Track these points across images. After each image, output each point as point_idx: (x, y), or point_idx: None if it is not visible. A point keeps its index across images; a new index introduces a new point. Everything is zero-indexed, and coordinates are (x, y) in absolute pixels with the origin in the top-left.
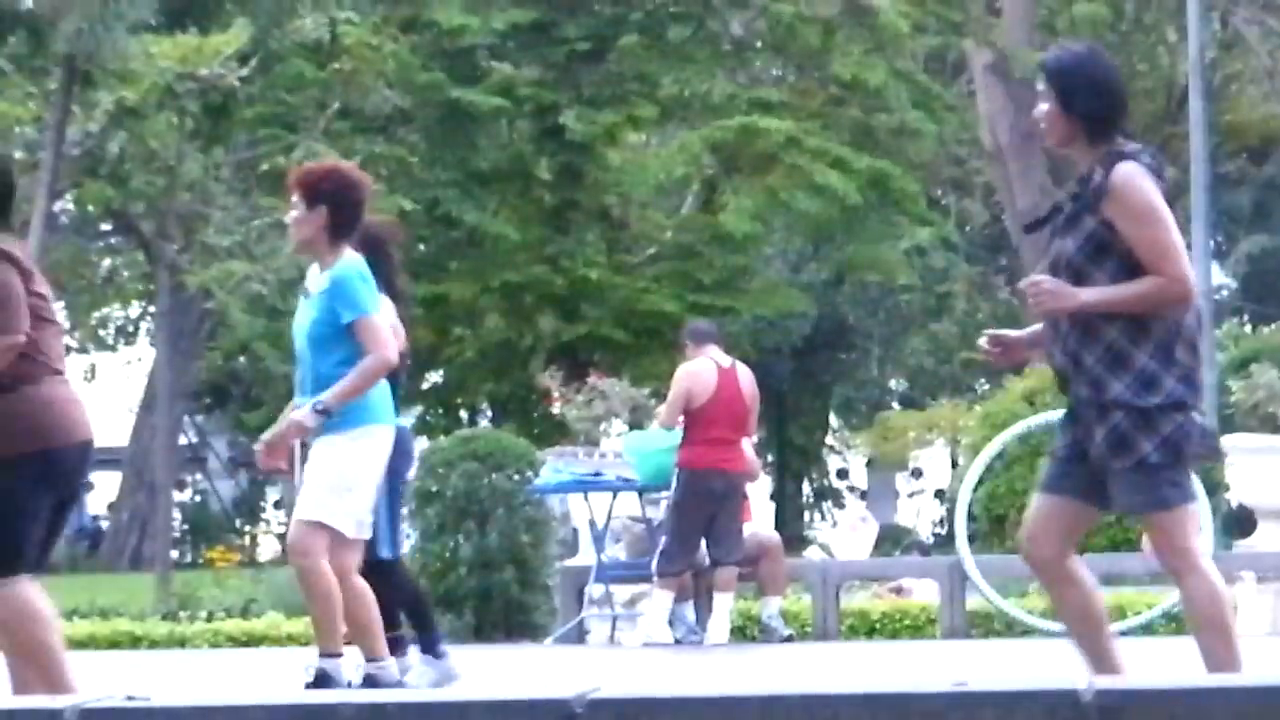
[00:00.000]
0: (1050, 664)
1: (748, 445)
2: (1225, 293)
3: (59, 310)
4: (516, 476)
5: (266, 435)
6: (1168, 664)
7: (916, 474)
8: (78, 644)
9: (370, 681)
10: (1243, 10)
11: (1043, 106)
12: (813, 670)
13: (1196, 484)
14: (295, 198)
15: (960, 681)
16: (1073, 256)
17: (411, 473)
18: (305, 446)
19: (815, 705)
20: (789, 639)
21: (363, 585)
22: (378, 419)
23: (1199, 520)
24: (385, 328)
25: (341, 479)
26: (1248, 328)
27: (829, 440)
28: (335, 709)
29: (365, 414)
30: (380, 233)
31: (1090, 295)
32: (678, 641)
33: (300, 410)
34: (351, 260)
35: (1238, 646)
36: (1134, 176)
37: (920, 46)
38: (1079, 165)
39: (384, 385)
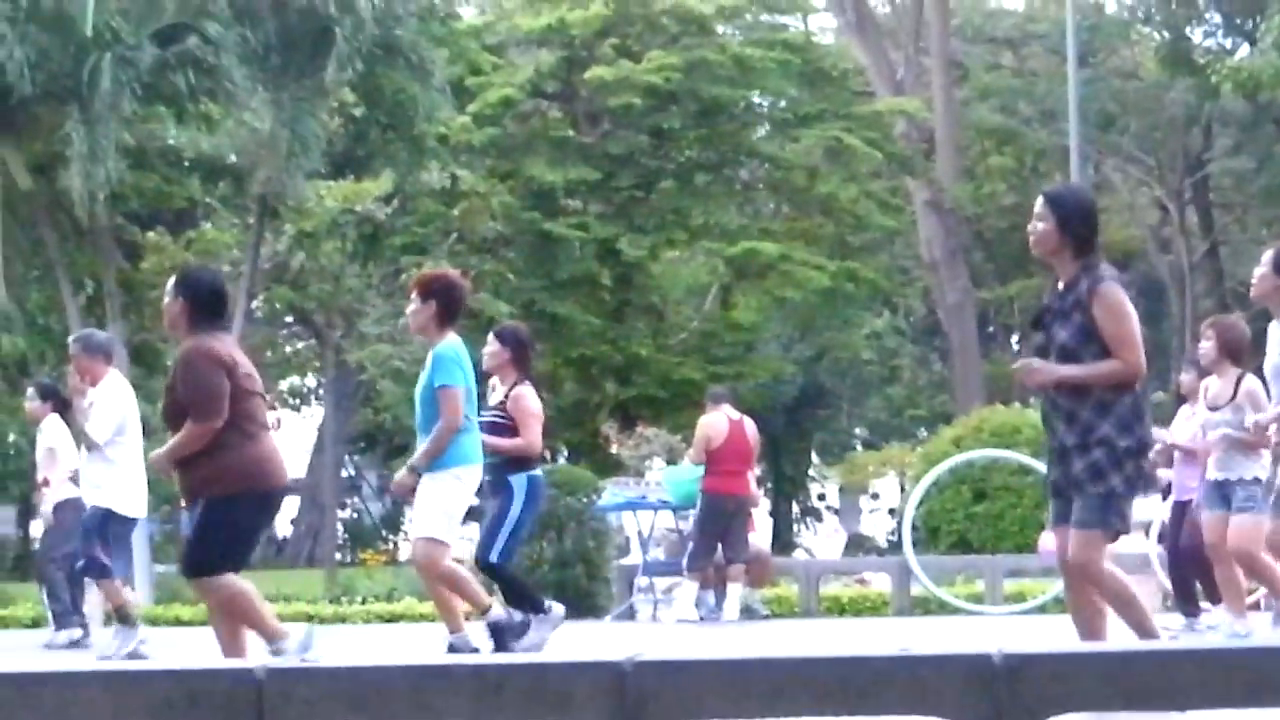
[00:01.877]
0: (971, 636)
1: (751, 478)
2: None
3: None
4: (585, 499)
5: (397, 477)
6: (1057, 634)
7: (875, 496)
8: None
9: (452, 648)
10: (1109, 161)
11: (1038, 225)
12: (798, 640)
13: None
14: (414, 295)
15: (905, 648)
16: (1066, 342)
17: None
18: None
19: (798, 666)
20: (766, 617)
21: (453, 569)
22: (468, 460)
23: (1113, 545)
24: (461, 399)
25: (444, 506)
26: None
27: (811, 472)
28: (449, 670)
29: (459, 457)
30: (525, 336)
31: (1066, 371)
32: (701, 619)
33: (401, 470)
34: (451, 342)
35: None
36: (1115, 287)
37: (879, 186)
38: (1061, 273)
39: (474, 434)
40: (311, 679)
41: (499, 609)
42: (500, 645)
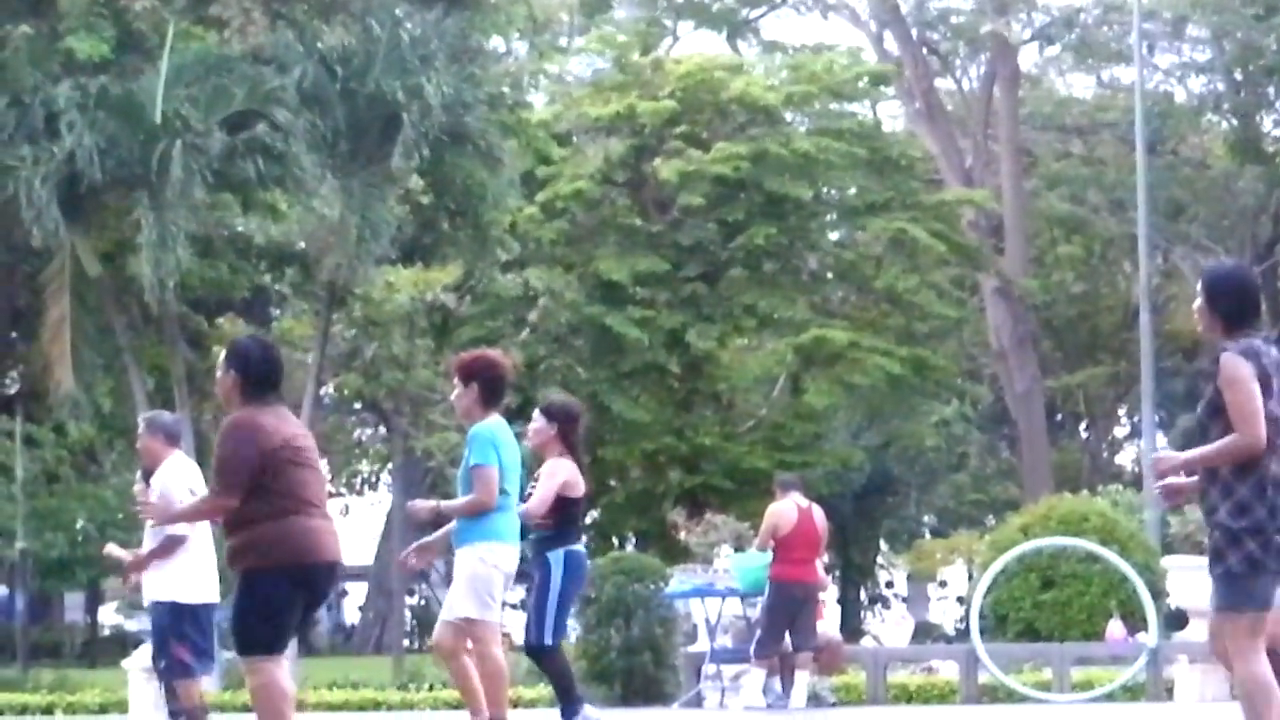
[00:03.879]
0: None
1: (819, 565)
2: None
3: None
4: (652, 586)
5: (416, 502)
6: None
7: (942, 584)
8: (336, 708)
9: None
10: (1178, 249)
11: (1196, 302)
12: None
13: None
14: (456, 379)
15: None
16: (1199, 415)
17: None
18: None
19: None
20: (834, 705)
21: (500, 659)
22: (499, 538)
23: (1263, 625)
24: (495, 478)
25: (474, 586)
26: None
27: (879, 559)
28: None
29: (490, 533)
30: (574, 411)
31: (1185, 456)
32: (769, 706)
33: (426, 501)
34: (490, 423)
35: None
36: (1231, 357)
37: (945, 276)
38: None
39: (510, 513)
40: None
41: None
42: None
